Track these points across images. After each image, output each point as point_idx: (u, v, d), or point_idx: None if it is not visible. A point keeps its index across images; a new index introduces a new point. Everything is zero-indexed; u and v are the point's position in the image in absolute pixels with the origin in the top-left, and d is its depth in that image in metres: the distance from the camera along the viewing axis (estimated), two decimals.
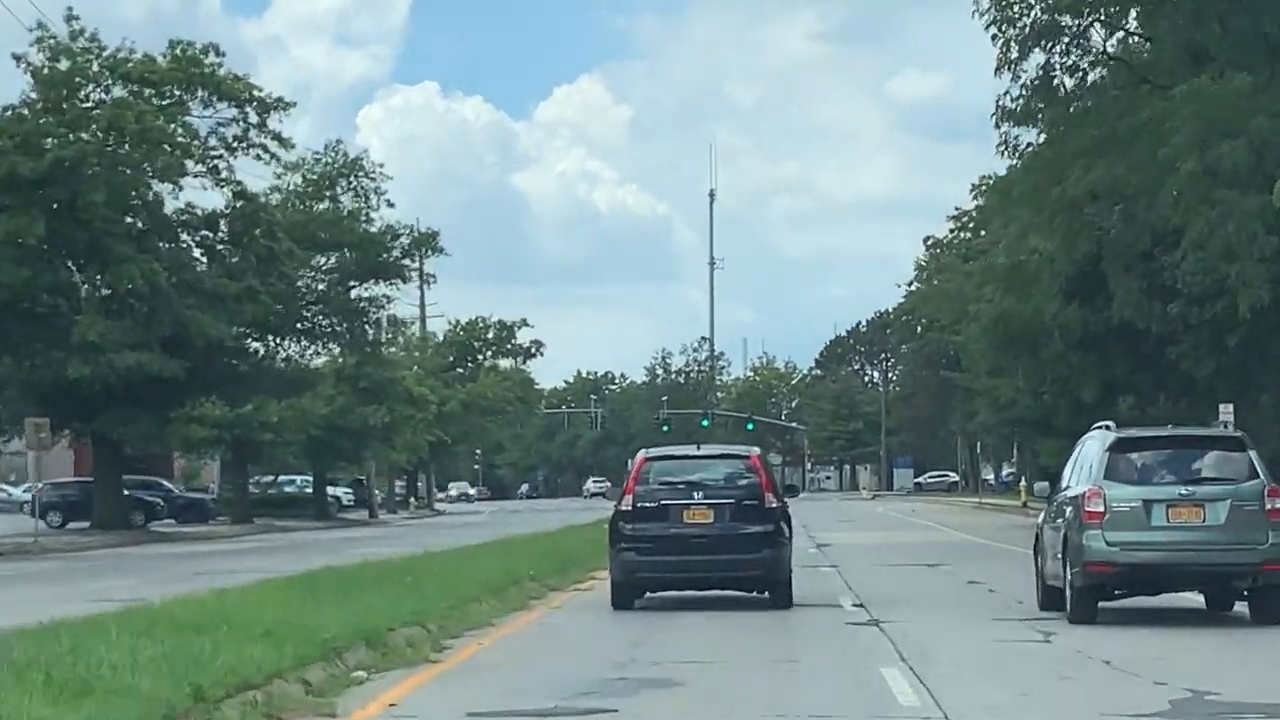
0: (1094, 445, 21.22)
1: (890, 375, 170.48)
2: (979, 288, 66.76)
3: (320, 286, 55.80)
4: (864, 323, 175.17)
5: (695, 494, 23.15)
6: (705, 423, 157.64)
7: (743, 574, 23.10)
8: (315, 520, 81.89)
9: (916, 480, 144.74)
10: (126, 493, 64.15)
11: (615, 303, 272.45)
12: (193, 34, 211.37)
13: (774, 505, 23.33)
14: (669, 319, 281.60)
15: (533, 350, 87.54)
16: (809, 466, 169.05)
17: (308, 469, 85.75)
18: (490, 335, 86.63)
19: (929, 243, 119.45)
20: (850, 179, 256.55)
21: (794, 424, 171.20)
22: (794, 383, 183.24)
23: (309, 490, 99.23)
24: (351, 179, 54.78)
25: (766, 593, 23.39)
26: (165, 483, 77.59)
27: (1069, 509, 20.96)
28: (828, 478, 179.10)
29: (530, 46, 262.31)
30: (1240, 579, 20.22)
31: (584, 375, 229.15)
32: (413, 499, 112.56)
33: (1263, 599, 20.36)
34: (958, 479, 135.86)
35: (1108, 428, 21.62)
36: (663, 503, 23.04)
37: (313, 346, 55.55)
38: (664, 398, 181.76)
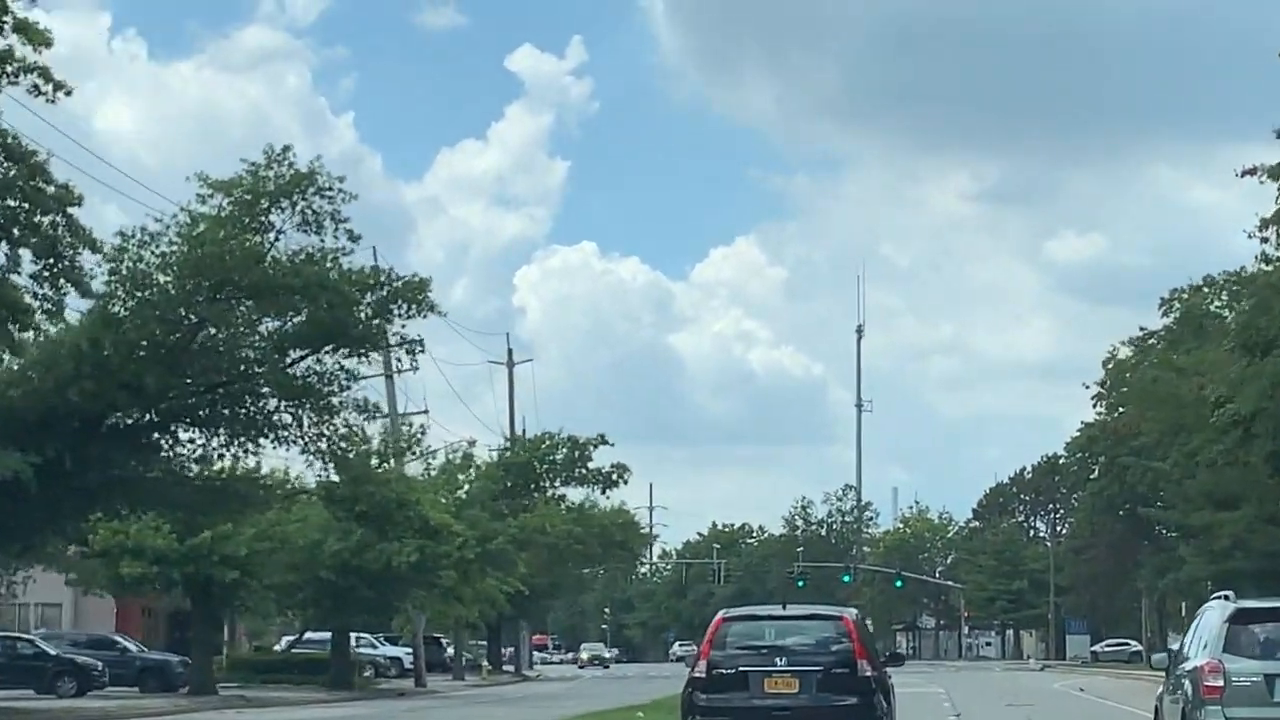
0: (1213, 616, 20.76)
1: (1059, 527, 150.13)
2: (1202, 388, 48.08)
3: (249, 353, 38.18)
4: (1029, 468, 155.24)
5: (778, 660, 20.89)
6: (846, 578, 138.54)
7: None
8: (330, 688, 64.31)
9: (1093, 648, 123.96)
10: (55, 653, 48.44)
11: (769, 463, 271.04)
12: (353, 196, 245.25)
13: (868, 674, 20.90)
14: (823, 479, 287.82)
15: (615, 477, 69.24)
16: (966, 631, 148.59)
17: (320, 622, 68.16)
18: (559, 456, 68.44)
19: (1109, 365, 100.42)
20: (1005, 340, 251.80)
21: (949, 582, 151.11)
22: (949, 535, 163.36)
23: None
24: (298, 198, 37.44)
25: None
26: (124, 639, 60.71)
27: (1187, 682, 20.51)
28: (988, 644, 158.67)
29: (687, 207, 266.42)
30: None
31: (719, 528, 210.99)
32: (484, 662, 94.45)
33: None
34: (1140, 648, 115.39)
35: (1227, 598, 21.10)
36: (741, 669, 20.86)
37: (225, 440, 37.72)
38: (799, 548, 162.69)
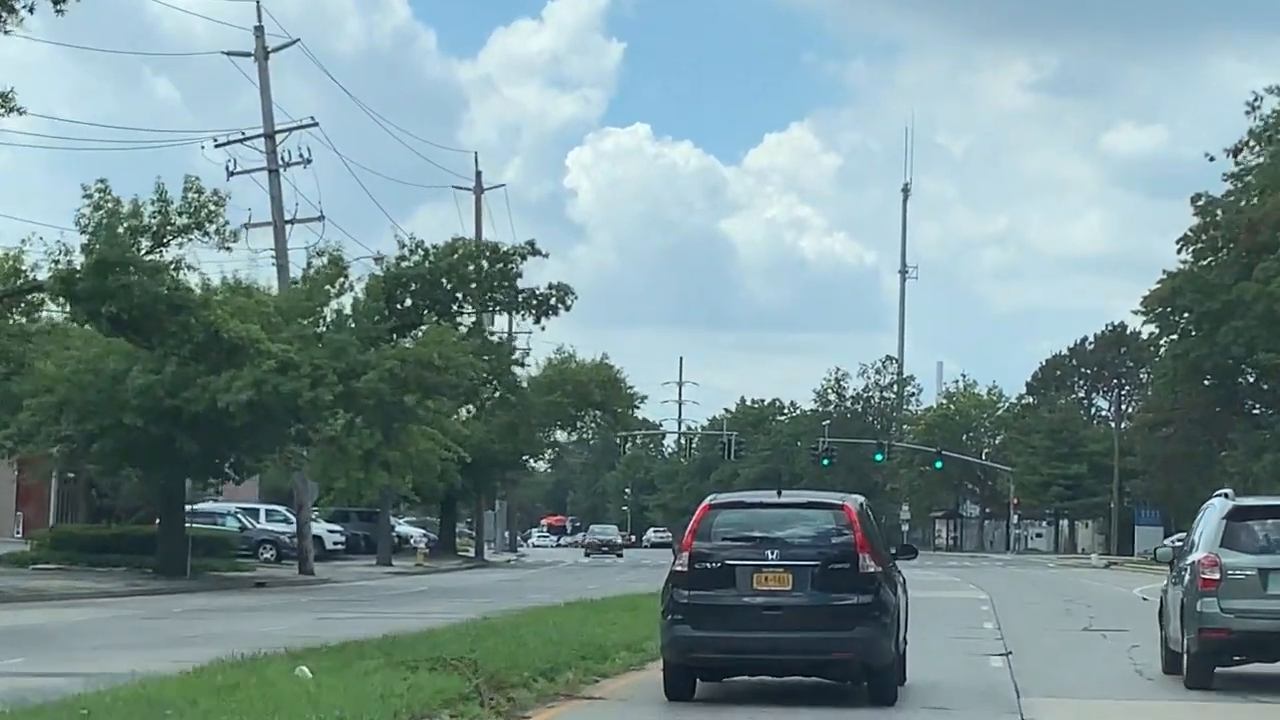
0: (1213, 512, 21.42)
1: (1125, 405, 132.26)
2: None
3: None
4: (1091, 338, 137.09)
5: (769, 553, 18.19)
6: (879, 457, 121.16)
7: (828, 657, 18.18)
8: (157, 572, 47.71)
9: (1165, 542, 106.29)
10: None
11: (819, 350, 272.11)
12: (409, 72, 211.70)
13: (872, 569, 18.17)
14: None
15: (553, 301, 51.73)
16: (1014, 520, 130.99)
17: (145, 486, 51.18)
18: (473, 269, 50.78)
19: (1200, 200, 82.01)
20: (1060, 233, 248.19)
21: (997, 465, 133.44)
22: (999, 413, 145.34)
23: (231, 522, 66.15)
24: None
25: (864, 683, 18.53)
26: None
27: (1188, 575, 21.11)
28: (1038, 535, 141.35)
29: (742, 92, 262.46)
30: None
31: (748, 404, 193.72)
32: (422, 545, 77.88)
33: None
34: None
35: (1226, 495, 21.90)
36: (727, 563, 18.18)
37: None
38: (825, 422, 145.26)
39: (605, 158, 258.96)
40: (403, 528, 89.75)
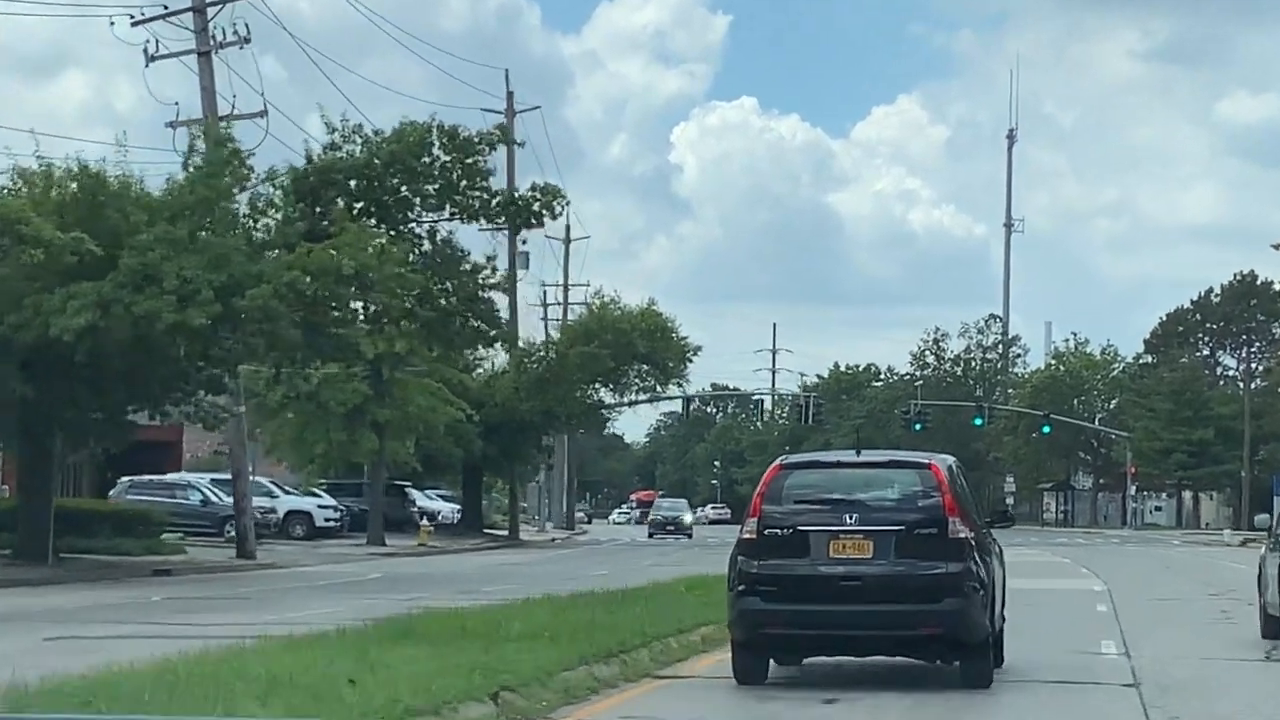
0: None
1: (1257, 363, 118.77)
2: None
3: None
4: (1217, 290, 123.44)
5: (848, 517, 16.21)
6: (979, 421, 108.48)
7: (915, 633, 16.09)
8: (16, 558, 36.57)
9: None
10: None
11: (927, 325, 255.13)
12: (512, 49, 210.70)
13: (962, 535, 16.12)
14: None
15: (537, 208, 39.94)
16: (1132, 492, 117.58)
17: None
18: (428, 160, 38.76)
19: None
20: (1172, 203, 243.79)
21: (1112, 430, 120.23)
22: (1114, 374, 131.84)
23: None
24: None
25: (955, 662, 16.49)
26: None
27: (1276, 542, 21.15)
28: (1157, 508, 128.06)
29: (848, 64, 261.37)
30: None
31: (841, 369, 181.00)
32: (424, 520, 66.35)
33: None
34: None
35: None
36: (800, 529, 16.23)
37: None
38: (918, 383, 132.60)
39: (711, 133, 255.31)
40: (429, 502, 78.47)
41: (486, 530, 76.60)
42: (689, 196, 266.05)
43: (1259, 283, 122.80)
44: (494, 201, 40.73)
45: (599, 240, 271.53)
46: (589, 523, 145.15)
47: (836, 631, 16.13)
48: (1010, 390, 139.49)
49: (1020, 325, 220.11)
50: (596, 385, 73.25)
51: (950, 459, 17.39)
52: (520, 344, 71.64)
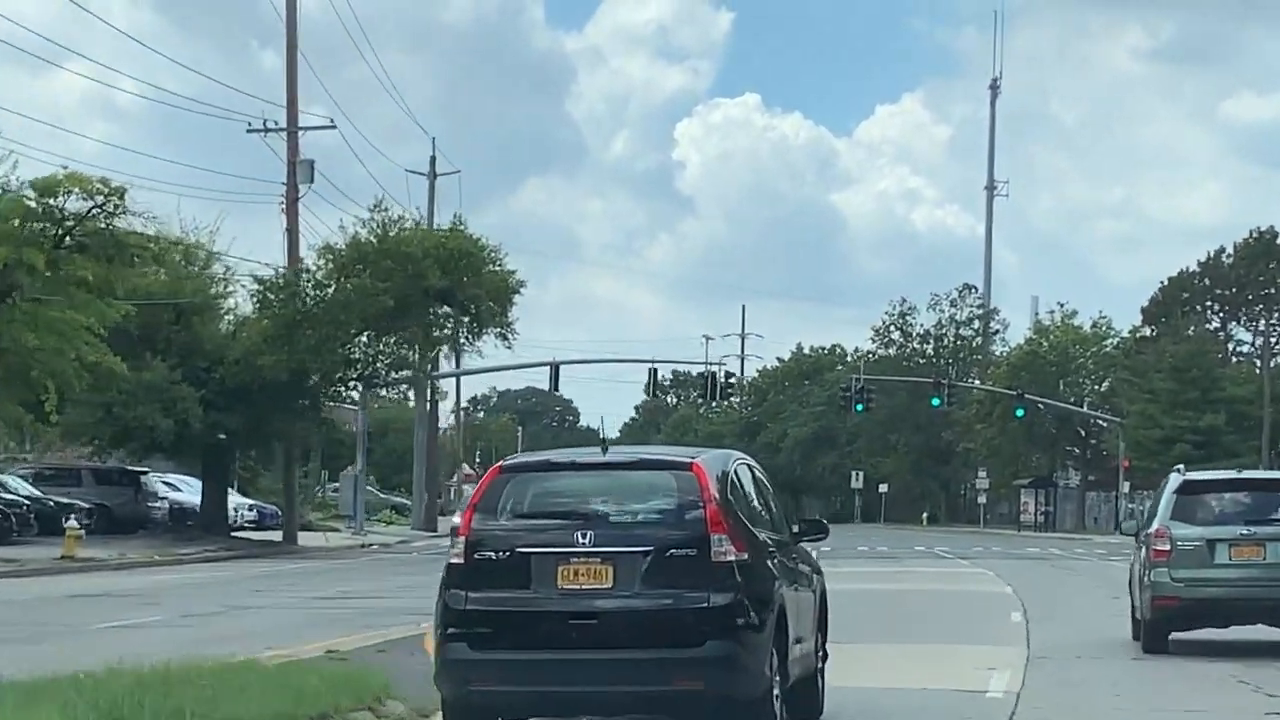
0: (1167, 487, 22.34)
1: (1277, 337, 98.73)
2: None
3: None
4: (1228, 251, 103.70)
5: (581, 536, 12.71)
6: (936, 401, 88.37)
7: (668, 686, 12.62)
8: None
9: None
10: None
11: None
12: (516, 43, 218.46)
13: (729, 558, 12.63)
14: None
15: None
16: (1125, 489, 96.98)
17: None
18: None
19: None
20: (1177, 204, 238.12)
21: (1102, 415, 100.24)
22: (1108, 350, 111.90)
23: None
24: None
25: None
26: None
27: (1143, 547, 22.34)
28: None
29: (853, 62, 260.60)
30: None
31: (804, 352, 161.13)
32: (73, 524, 46.02)
33: None
34: None
35: (1179, 471, 22.92)
36: (519, 550, 12.71)
37: None
38: (867, 358, 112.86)
39: (714, 130, 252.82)
40: (178, 493, 59.03)
41: (239, 533, 56.78)
42: (692, 194, 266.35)
43: (1279, 240, 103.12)
44: None
45: (601, 236, 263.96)
46: None
47: (565, 688, 12.61)
48: (990, 370, 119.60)
49: (1006, 309, 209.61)
50: (375, 336, 53.41)
51: (729, 457, 13.72)
52: (270, 277, 51.87)
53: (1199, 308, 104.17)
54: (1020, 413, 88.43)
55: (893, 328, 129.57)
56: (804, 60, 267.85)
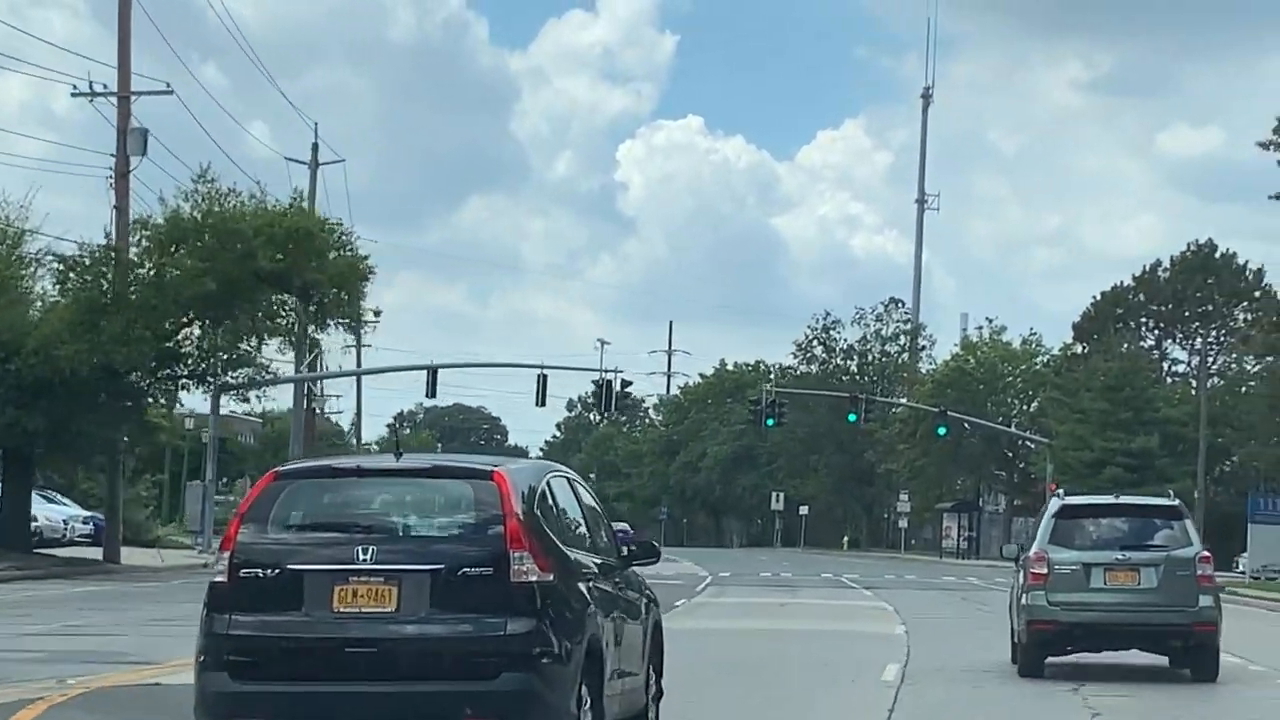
0: (1046, 511, 22.60)
1: (1213, 357, 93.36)
2: None
3: None
4: (1165, 264, 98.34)
5: (361, 552, 11.41)
6: (853, 417, 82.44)
7: None
8: None
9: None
10: None
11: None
12: (461, 61, 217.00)
13: (532, 579, 11.42)
14: None
15: None
16: None
17: None
18: None
19: None
20: (1112, 233, 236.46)
21: (1030, 436, 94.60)
22: (1037, 368, 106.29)
23: None
24: None
25: None
26: None
27: (1021, 571, 22.21)
28: None
29: (795, 88, 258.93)
30: (1174, 639, 21.61)
31: (728, 368, 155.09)
32: None
33: (1196, 658, 21.73)
34: None
35: (1059, 495, 23.84)
36: (291, 568, 11.46)
37: None
38: (777, 375, 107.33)
39: (657, 151, 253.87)
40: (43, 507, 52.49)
41: (58, 548, 50.16)
42: (634, 214, 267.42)
43: (1218, 254, 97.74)
44: None
45: (543, 255, 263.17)
46: None
47: None
48: (917, 388, 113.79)
49: (938, 333, 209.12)
50: (210, 326, 46.90)
51: (544, 469, 12.74)
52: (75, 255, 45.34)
53: (1133, 324, 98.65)
54: (942, 431, 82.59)
55: (815, 343, 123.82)
56: (747, 84, 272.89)
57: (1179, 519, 21.97)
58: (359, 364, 67.96)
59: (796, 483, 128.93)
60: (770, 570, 69.36)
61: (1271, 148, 53.61)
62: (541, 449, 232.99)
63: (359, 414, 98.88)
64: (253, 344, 49.10)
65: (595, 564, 12.51)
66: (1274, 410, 62.38)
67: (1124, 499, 24.14)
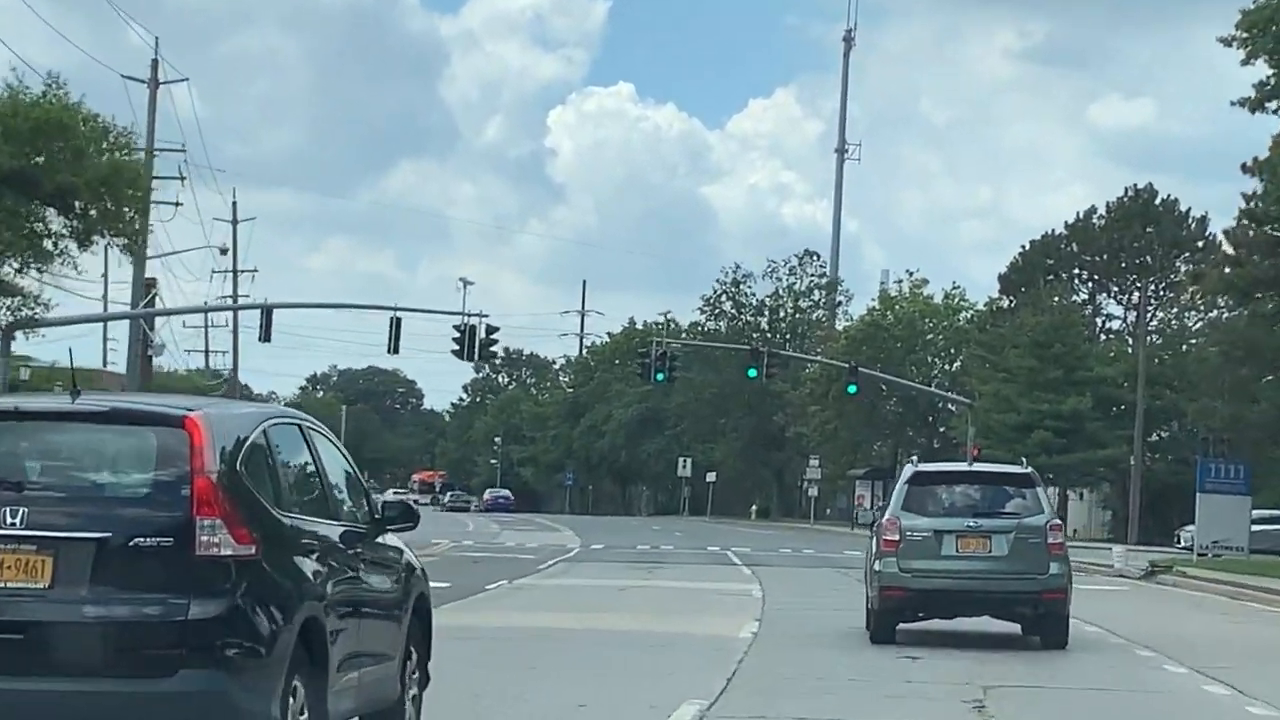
0: (900, 478, 23.17)
1: (1151, 311, 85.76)
2: None
3: None
4: (1099, 211, 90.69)
5: (11, 513, 9.43)
6: (752, 373, 74.19)
7: None
8: None
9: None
10: None
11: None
12: (391, 26, 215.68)
13: (223, 553, 9.38)
14: None
15: None
16: None
17: None
18: None
19: None
20: (1042, 205, 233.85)
21: (951, 397, 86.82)
22: (960, 324, 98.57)
23: None
24: None
25: None
26: None
27: (874, 538, 22.45)
28: None
29: (727, 56, 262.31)
30: (1023, 606, 21.82)
31: (636, 326, 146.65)
32: None
33: (1045, 625, 21.91)
34: None
35: (913, 461, 26.05)
36: None
37: None
38: (672, 333, 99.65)
39: (588, 118, 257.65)
40: None
41: None
42: (564, 181, 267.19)
43: (1159, 201, 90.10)
44: None
45: (472, 220, 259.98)
46: None
47: None
48: (826, 345, 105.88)
49: (861, 297, 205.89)
50: None
51: (262, 414, 10.31)
52: None
53: (1065, 276, 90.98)
54: (853, 389, 74.51)
55: (724, 298, 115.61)
56: (678, 52, 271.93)
57: (1031, 487, 22.05)
58: (146, 302, 59.00)
59: (704, 448, 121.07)
60: (653, 542, 61.99)
61: (1235, 44, 46.38)
62: (447, 411, 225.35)
63: (235, 365, 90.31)
64: (13, 265, 40.42)
65: (329, 533, 10.40)
66: (1230, 362, 54.58)
67: (977, 466, 25.34)
